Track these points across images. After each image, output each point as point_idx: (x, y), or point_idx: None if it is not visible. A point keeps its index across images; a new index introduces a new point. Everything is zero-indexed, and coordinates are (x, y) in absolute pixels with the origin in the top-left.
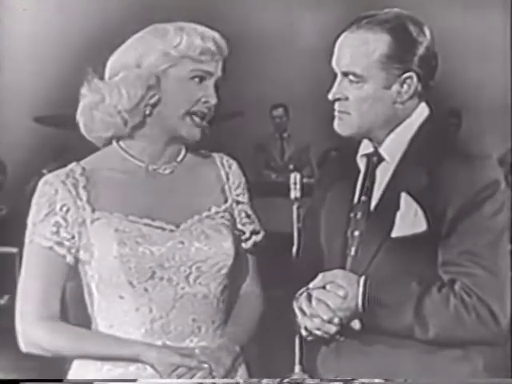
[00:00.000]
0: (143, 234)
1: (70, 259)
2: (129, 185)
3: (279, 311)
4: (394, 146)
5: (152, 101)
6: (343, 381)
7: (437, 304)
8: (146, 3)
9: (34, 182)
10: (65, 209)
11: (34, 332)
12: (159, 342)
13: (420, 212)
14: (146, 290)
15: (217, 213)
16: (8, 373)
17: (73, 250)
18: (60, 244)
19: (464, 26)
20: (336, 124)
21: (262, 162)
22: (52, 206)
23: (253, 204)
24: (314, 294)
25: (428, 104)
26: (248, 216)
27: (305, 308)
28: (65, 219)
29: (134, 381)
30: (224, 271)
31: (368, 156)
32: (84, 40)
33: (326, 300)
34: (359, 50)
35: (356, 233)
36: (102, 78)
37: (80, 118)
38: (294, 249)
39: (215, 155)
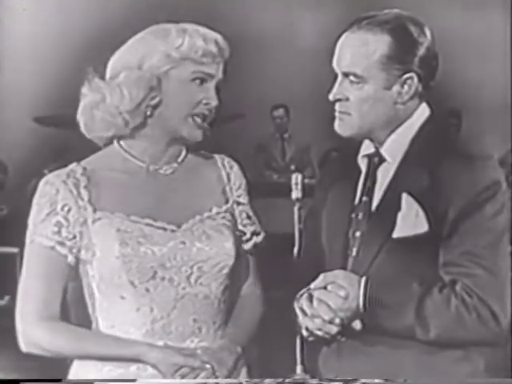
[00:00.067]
0: (145, 234)
1: (71, 259)
2: (130, 185)
3: (280, 311)
4: (395, 147)
5: (153, 102)
6: (344, 381)
7: (438, 305)
8: (146, 3)
9: (35, 182)
10: (66, 208)
11: (35, 332)
12: (160, 343)
13: (421, 213)
14: (147, 290)
15: (218, 213)
16: (8, 373)
17: (74, 250)
18: (61, 244)
19: (464, 26)
20: (337, 124)
21: (263, 162)
22: (53, 206)
23: (253, 205)
24: (315, 294)
25: (429, 104)
26: (249, 217)
27: (306, 308)
28: (66, 219)
29: (134, 381)
30: (225, 271)
31: (369, 156)
32: (84, 40)
33: (327, 300)
34: (360, 51)
35: (357, 233)
36: (102, 77)
37: (80, 118)
38: (295, 249)
39: (216, 156)
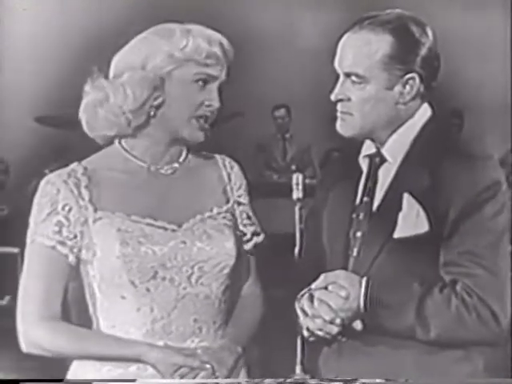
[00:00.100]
0: (145, 233)
1: (72, 259)
2: (131, 185)
3: (281, 312)
4: (396, 147)
5: (156, 102)
6: (344, 381)
7: (438, 305)
8: (147, 3)
9: (36, 182)
10: (67, 208)
11: (35, 332)
12: (160, 343)
13: (422, 213)
14: (147, 290)
15: (219, 213)
16: (8, 373)
17: (75, 250)
18: (62, 243)
19: (464, 26)
20: (338, 125)
21: (263, 162)
22: (54, 206)
23: (254, 206)
24: (316, 294)
25: (430, 105)
26: (249, 217)
27: (307, 309)
28: (67, 218)
29: (134, 381)
30: (226, 271)
31: (370, 157)
32: (84, 40)
33: (328, 301)
34: (361, 51)
35: (358, 233)
36: (106, 76)
37: (82, 115)
38: (296, 249)
39: (217, 157)
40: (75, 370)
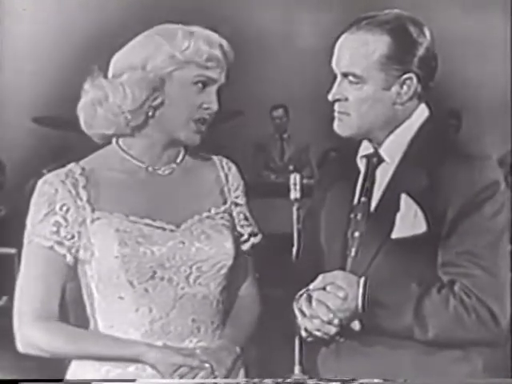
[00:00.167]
0: (144, 234)
1: (69, 259)
2: (128, 185)
3: (279, 312)
4: (393, 147)
5: (155, 103)
6: (341, 381)
7: (436, 305)
8: (146, 3)
9: (33, 182)
10: (65, 208)
11: (32, 332)
12: (159, 343)
13: (420, 213)
14: (146, 290)
15: (217, 213)
16: (7, 373)
17: (73, 250)
18: (60, 244)
19: (464, 26)
20: (336, 125)
21: (261, 162)
22: (52, 206)
23: (251, 206)
24: (314, 295)
25: (428, 105)
26: (246, 218)
27: (305, 309)
28: (65, 219)
29: (133, 381)
30: (223, 271)
31: (368, 157)
32: (84, 40)
33: (326, 301)
34: (359, 51)
35: (356, 234)
36: (105, 76)
37: (80, 113)
38: (294, 250)
39: (215, 158)
40: (74, 370)
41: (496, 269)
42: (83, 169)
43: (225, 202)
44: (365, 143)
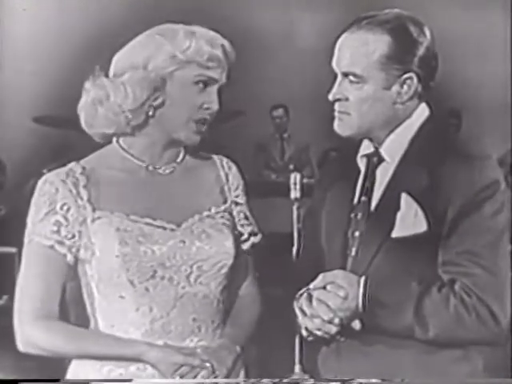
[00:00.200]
0: (144, 233)
1: (70, 258)
2: (129, 184)
3: (280, 311)
4: (394, 147)
5: (156, 102)
6: (341, 381)
7: (437, 304)
8: (146, 3)
9: (34, 181)
10: (65, 208)
11: (32, 332)
12: (160, 342)
13: (420, 212)
14: (146, 289)
15: (217, 213)
16: (7, 373)
17: (73, 249)
18: (61, 243)
19: (464, 26)
20: (336, 124)
21: (262, 162)
22: (52, 205)
23: (251, 206)
24: (315, 294)
25: (428, 104)
26: (246, 217)
27: (305, 308)
28: (65, 218)
29: (130, 381)
30: (224, 271)
31: (368, 156)
32: (84, 40)
33: (327, 300)
34: (359, 51)
35: (356, 233)
36: (106, 75)
37: (81, 112)
38: (295, 249)
39: (215, 157)
40: (74, 370)
41: (496, 268)
42: (84, 168)
43: (225, 202)
44: (365, 142)
